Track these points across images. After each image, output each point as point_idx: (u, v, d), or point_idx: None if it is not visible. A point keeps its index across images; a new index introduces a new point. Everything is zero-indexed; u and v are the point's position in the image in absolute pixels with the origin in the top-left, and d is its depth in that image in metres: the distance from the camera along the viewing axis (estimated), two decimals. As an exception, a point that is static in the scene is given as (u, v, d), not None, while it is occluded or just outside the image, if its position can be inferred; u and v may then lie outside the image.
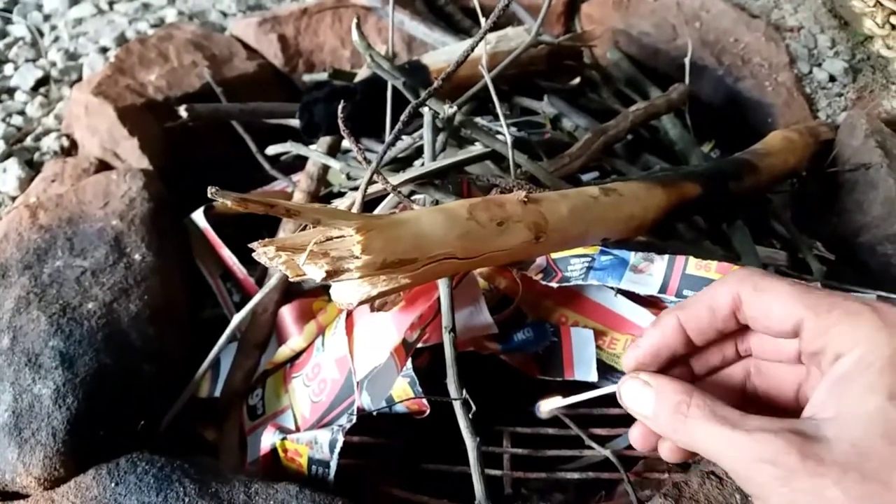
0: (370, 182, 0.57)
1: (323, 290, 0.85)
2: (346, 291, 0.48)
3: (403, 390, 0.65)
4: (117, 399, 0.66)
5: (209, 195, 0.37)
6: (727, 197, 0.75)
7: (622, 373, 0.71)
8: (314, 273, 0.44)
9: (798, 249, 0.88)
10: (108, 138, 0.94)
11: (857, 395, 0.35)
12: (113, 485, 0.60)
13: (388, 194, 0.73)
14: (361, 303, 0.48)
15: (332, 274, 0.44)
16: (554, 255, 0.68)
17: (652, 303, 0.77)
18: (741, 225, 0.82)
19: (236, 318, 0.74)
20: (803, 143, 0.95)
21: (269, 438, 0.67)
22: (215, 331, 0.78)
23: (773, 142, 0.91)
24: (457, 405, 0.60)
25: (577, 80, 1.12)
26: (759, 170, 0.82)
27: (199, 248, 0.88)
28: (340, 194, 0.87)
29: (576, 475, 0.69)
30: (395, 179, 0.65)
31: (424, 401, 0.64)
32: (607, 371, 0.72)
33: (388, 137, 0.81)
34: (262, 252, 0.43)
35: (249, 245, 0.43)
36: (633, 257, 0.64)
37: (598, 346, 0.73)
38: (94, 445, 0.63)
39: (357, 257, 0.44)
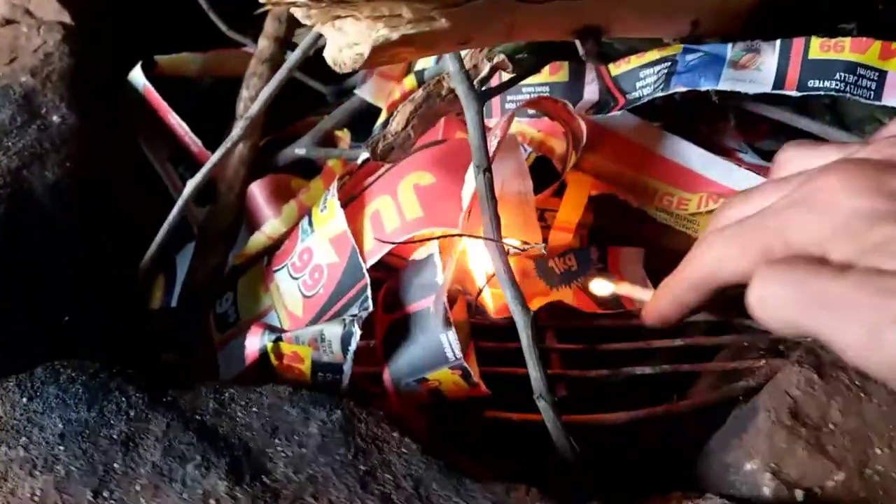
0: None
1: (301, 171, 0.68)
2: (352, 35, 0.30)
3: (455, 383, 0.48)
4: (29, 286, 0.48)
5: None
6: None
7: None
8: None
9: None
10: (16, -11, 0.74)
11: None
12: (24, 400, 0.42)
13: None
14: (376, 58, 0.30)
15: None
16: (615, 71, 0.52)
17: (727, 151, 0.61)
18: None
19: (190, 185, 0.56)
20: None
21: (256, 342, 0.50)
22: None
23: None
24: (502, 276, 0.44)
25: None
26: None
27: (142, 126, 0.69)
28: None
29: (647, 370, 0.53)
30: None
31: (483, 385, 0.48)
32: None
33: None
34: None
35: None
36: (730, 51, 0.47)
37: (663, 209, 0.58)
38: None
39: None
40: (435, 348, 0.47)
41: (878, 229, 0.29)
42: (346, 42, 0.29)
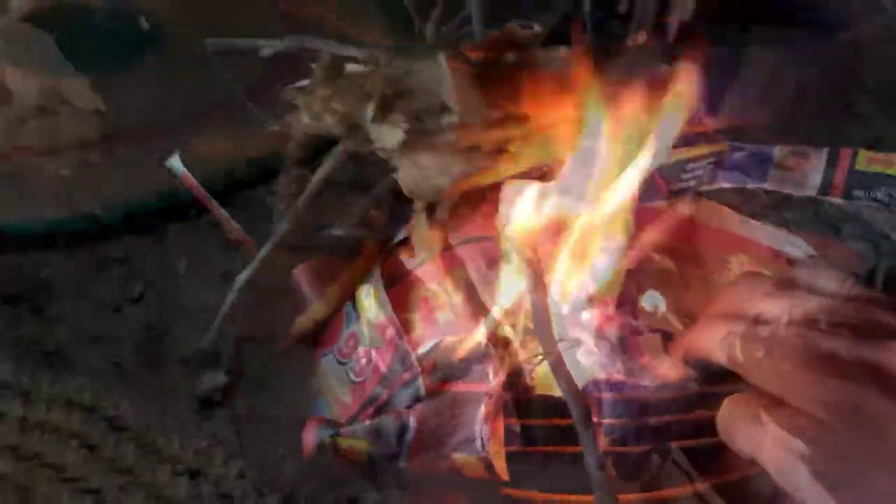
0: None
1: (346, 251, 0.68)
2: (429, 170, 0.30)
3: (477, 469, 0.48)
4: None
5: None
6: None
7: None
8: (387, 136, 0.27)
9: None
10: None
11: None
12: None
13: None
14: (455, 189, 0.31)
15: (415, 136, 0.27)
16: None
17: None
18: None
19: (239, 280, 0.57)
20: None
21: (312, 436, 0.50)
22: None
23: None
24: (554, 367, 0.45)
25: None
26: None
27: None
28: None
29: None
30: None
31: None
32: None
33: None
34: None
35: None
36: (777, 152, 0.49)
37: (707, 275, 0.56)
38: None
39: (450, 109, 0.27)
40: (468, 436, 0.47)
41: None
42: (423, 175, 0.30)
